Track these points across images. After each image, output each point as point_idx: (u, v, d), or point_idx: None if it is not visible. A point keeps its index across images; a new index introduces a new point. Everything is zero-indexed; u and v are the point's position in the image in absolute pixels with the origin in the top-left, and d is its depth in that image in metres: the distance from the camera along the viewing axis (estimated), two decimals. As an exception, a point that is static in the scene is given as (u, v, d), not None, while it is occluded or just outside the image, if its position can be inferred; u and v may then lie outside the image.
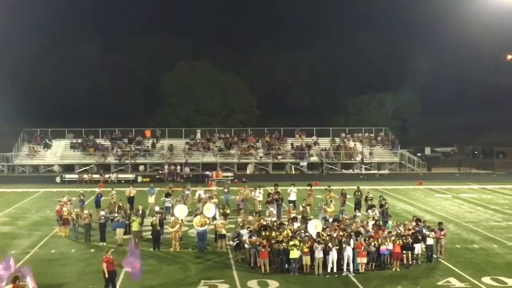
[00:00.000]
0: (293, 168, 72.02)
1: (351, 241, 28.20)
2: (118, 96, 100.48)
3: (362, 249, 28.13)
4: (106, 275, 24.31)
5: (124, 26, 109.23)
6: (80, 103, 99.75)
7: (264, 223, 32.12)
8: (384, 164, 74.08)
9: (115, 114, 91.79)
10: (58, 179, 63.48)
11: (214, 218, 35.89)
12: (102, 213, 35.12)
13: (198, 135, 76.66)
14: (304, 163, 72.47)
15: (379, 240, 29.02)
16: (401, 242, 29.04)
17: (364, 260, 28.25)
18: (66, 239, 34.99)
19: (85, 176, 64.53)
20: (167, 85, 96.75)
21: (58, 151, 72.92)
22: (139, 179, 63.62)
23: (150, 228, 33.37)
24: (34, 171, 69.95)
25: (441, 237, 30.68)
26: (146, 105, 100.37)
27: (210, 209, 36.14)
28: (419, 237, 29.95)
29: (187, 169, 68.72)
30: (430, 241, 30.10)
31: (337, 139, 77.19)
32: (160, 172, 67.84)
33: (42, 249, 32.80)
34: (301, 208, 38.68)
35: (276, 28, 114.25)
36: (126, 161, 70.94)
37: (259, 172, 71.05)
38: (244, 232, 30.07)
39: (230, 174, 67.03)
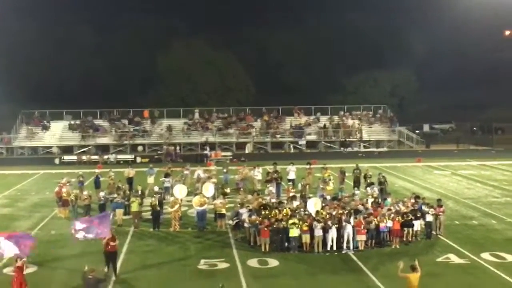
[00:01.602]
0: (291, 147, 72.01)
1: (351, 219, 28.25)
2: (114, 76, 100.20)
3: (362, 227, 28.18)
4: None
5: (119, 6, 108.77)
6: (77, 84, 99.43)
7: (264, 202, 32.20)
8: (382, 141, 74.07)
9: (112, 95, 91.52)
10: (57, 161, 63.47)
11: (213, 197, 35.93)
12: (102, 194, 35.19)
13: (196, 115, 76.56)
14: (302, 142, 72.43)
15: (378, 217, 29.08)
16: (400, 219, 29.11)
17: (364, 237, 28.31)
18: (66, 220, 34.96)
19: (84, 157, 64.58)
20: (163, 65, 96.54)
21: (56, 132, 72.83)
22: (138, 159, 63.61)
23: (150, 208, 33.46)
24: (33, 153, 69.91)
25: (440, 213, 30.77)
26: (143, 85, 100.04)
27: (209, 189, 36.24)
28: (418, 214, 30.03)
29: (208, 149, 68.35)
30: (429, 218, 30.19)
31: (336, 117, 77.07)
32: (158, 152, 67.84)
33: (42, 230, 32.88)
34: (300, 187, 38.76)
35: (271, 6, 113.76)
36: (125, 142, 70.90)
37: (258, 151, 71.04)
38: (244, 211, 30.14)
39: (229, 153, 67.06)
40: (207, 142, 69.74)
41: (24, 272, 22.13)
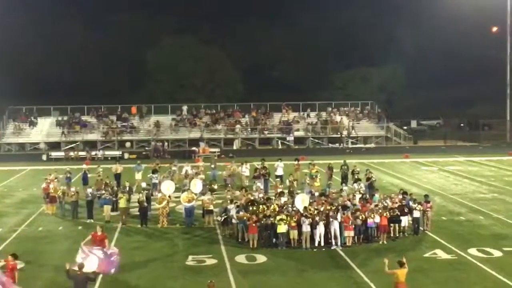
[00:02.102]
0: (279, 143, 72.05)
1: (338, 215, 28.29)
2: (102, 72, 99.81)
3: (350, 223, 28.23)
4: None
5: (107, 2, 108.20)
6: (65, 80, 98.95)
7: (252, 198, 32.20)
8: (370, 137, 74.22)
9: (100, 91, 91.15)
10: (44, 157, 63.28)
11: (201, 193, 35.92)
12: (89, 190, 35.09)
13: (185, 111, 76.45)
14: (290, 138, 72.46)
15: (366, 213, 29.14)
16: (388, 215, 29.19)
17: (351, 233, 28.37)
18: (53, 216, 34.99)
19: (71, 153, 64.37)
20: (152, 61, 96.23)
21: (43, 128, 72.55)
22: (126, 155, 63.51)
23: (137, 204, 33.39)
24: (20, 149, 69.65)
25: (427, 209, 30.86)
26: (131, 82, 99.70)
27: (197, 185, 36.24)
28: (406, 209, 30.10)
29: (202, 144, 68.56)
30: (416, 214, 30.26)
31: (324, 113, 77.20)
32: (146, 148, 67.72)
33: (30, 227, 32.78)
34: (288, 183, 38.79)
35: (261, 2, 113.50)
36: (113, 138, 70.73)
37: (245, 147, 71.05)
38: (232, 207, 30.13)
39: (216, 149, 67.02)
40: (202, 138, 69.73)
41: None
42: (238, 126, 72.98)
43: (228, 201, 31.16)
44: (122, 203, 33.05)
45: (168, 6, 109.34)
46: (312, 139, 72.94)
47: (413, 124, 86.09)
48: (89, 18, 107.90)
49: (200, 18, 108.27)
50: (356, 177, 39.84)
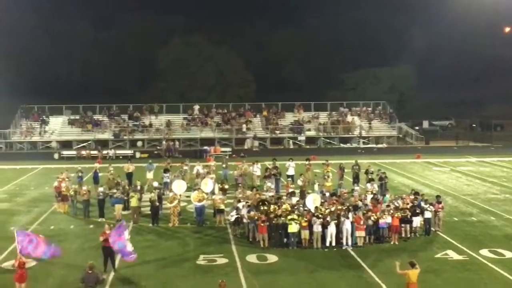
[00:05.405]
0: (291, 143, 71.96)
1: (350, 215, 28.24)
2: (113, 71, 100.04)
3: (362, 223, 28.17)
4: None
5: (118, 1, 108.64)
6: (76, 79, 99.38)
7: (263, 197, 32.19)
8: (382, 137, 74.01)
9: (111, 90, 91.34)
10: (56, 156, 63.42)
11: (212, 193, 35.95)
12: (101, 189, 35.09)
13: (196, 111, 76.45)
14: (302, 138, 72.38)
15: (378, 213, 29.07)
16: (399, 216, 29.11)
17: (363, 233, 28.31)
18: (65, 215, 35.08)
19: (83, 152, 64.51)
20: (162, 60, 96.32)
21: (55, 127, 72.71)
22: (137, 155, 63.58)
23: (149, 203, 33.46)
24: (32, 148, 69.84)
25: (439, 210, 30.78)
26: (142, 81, 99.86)
27: (208, 184, 36.27)
28: (417, 210, 30.04)
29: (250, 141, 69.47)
30: (428, 214, 30.21)
31: (335, 113, 77.10)
32: (158, 147, 67.78)
33: (41, 225, 32.88)
34: (299, 183, 38.75)
35: (271, 2, 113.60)
36: (124, 137, 70.81)
37: (257, 147, 70.99)
38: (243, 207, 30.12)
39: (228, 149, 67.02)
40: (255, 137, 70.18)
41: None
42: (243, 126, 72.89)
43: (241, 200, 31.18)
44: (133, 202, 33.13)
45: (178, 6, 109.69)
46: (323, 139, 72.82)
47: (425, 124, 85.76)
48: (100, 18, 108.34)
49: (210, 17, 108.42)
50: (370, 177, 39.72)
